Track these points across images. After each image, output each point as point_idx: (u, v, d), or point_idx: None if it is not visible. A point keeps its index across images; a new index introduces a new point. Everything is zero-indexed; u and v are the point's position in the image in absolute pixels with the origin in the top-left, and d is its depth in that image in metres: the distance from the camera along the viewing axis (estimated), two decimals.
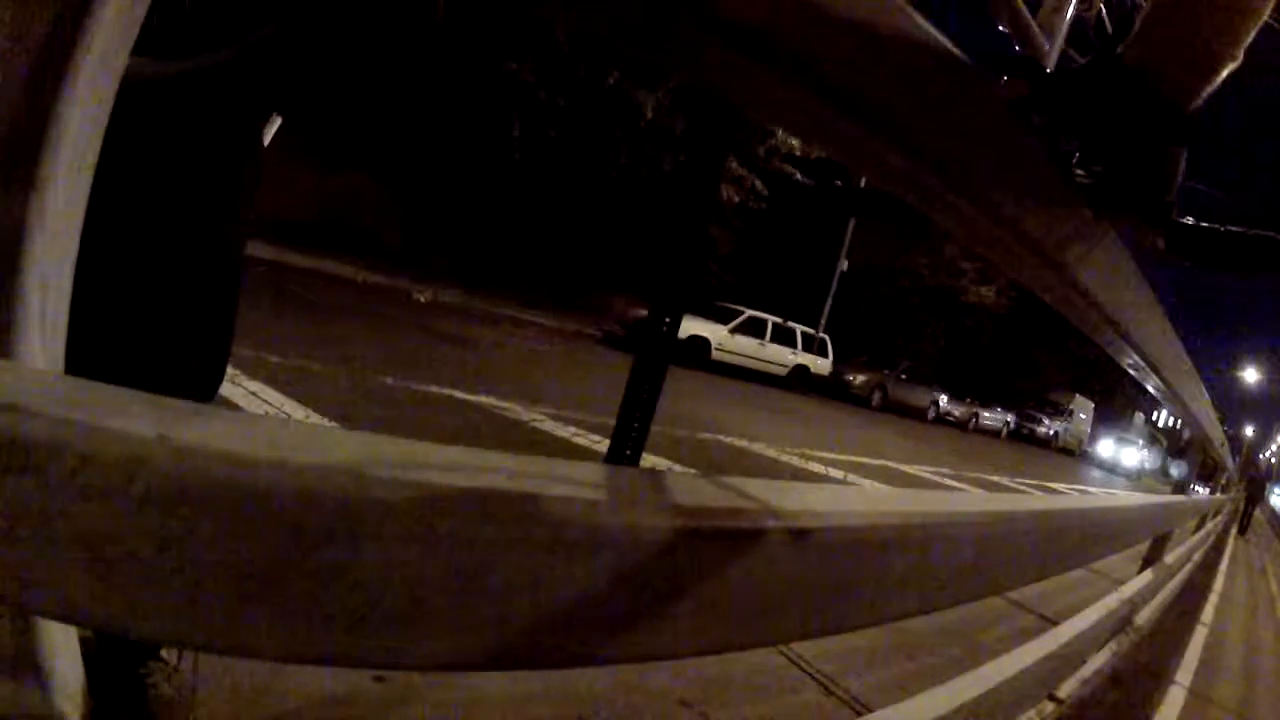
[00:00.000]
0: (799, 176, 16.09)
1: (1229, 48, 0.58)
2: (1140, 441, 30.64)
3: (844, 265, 18.17)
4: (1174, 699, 2.85)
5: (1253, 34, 0.57)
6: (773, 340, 14.26)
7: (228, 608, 0.35)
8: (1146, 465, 30.91)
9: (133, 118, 0.62)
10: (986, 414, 22.61)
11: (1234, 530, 11.91)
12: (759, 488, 0.62)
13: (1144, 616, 3.43)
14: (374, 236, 13.27)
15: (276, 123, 0.96)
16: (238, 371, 3.70)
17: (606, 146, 14.76)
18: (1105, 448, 28.89)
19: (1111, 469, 26.49)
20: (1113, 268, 0.86)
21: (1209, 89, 0.61)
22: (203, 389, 0.96)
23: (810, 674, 1.99)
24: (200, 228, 0.88)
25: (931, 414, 19.18)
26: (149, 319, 0.85)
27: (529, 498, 0.43)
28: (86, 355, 0.61)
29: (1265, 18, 0.56)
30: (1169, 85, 0.60)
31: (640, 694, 1.65)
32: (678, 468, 4.30)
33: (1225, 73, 0.60)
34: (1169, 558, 3.88)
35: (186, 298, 0.89)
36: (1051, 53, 1.52)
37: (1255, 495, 15.97)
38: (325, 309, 7.46)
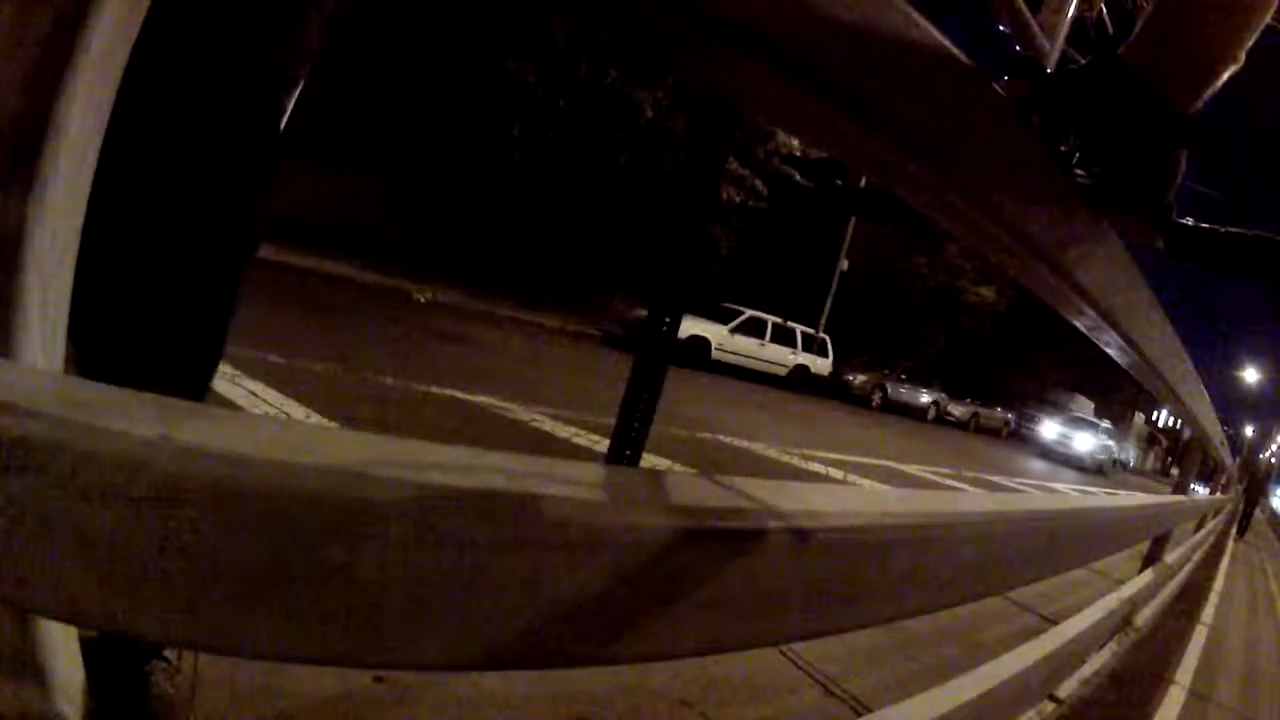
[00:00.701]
0: (799, 177, 16.07)
1: (1231, 50, 0.58)
2: (1104, 424, 22.78)
3: (844, 265, 18.19)
4: (1174, 699, 2.85)
5: (1255, 36, 0.57)
6: (773, 340, 14.27)
7: (228, 608, 0.35)
8: (1116, 455, 22.85)
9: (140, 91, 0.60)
10: (986, 414, 22.62)
11: (1233, 532, 11.51)
12: (759, 488, 0.62)
13: (1144, 616, 3.43)
14: (374, 236, 13.27)
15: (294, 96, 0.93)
16: (238, 371, 3.70)
17: (606, 146, 14.76)
18: (1050, 430, 20.59)
19: (1064, 460, 19.11)
20: (1113, 268, 0.86)
21: (1210, 91, 0.61)
22: (192, 386, 0.93)
23: (810, 674, 1.99)
24: (207, 211, 0.85)
25: (931, 414, 19.21)
26: (133, 307, 0.83)
27: (529, 498, 0.43)
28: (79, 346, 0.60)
29: (1268, 20, 0.56)
30: (1170, 87, 0.60)
31: (640, 694, 1.65)
32: (678, 468, 4.30)
33: (1227, 75, 0.60)
34: (1169, 557, 3.89)
35: (181, 288, 0.86)
36: (1052, 53, 1.53)
37: (1255, 495, 15.17)
38: (325, 309, 7.47)
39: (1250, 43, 0.58)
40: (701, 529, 0.52)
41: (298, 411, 3.35)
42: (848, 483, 5.72)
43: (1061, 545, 1.43)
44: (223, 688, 1.22)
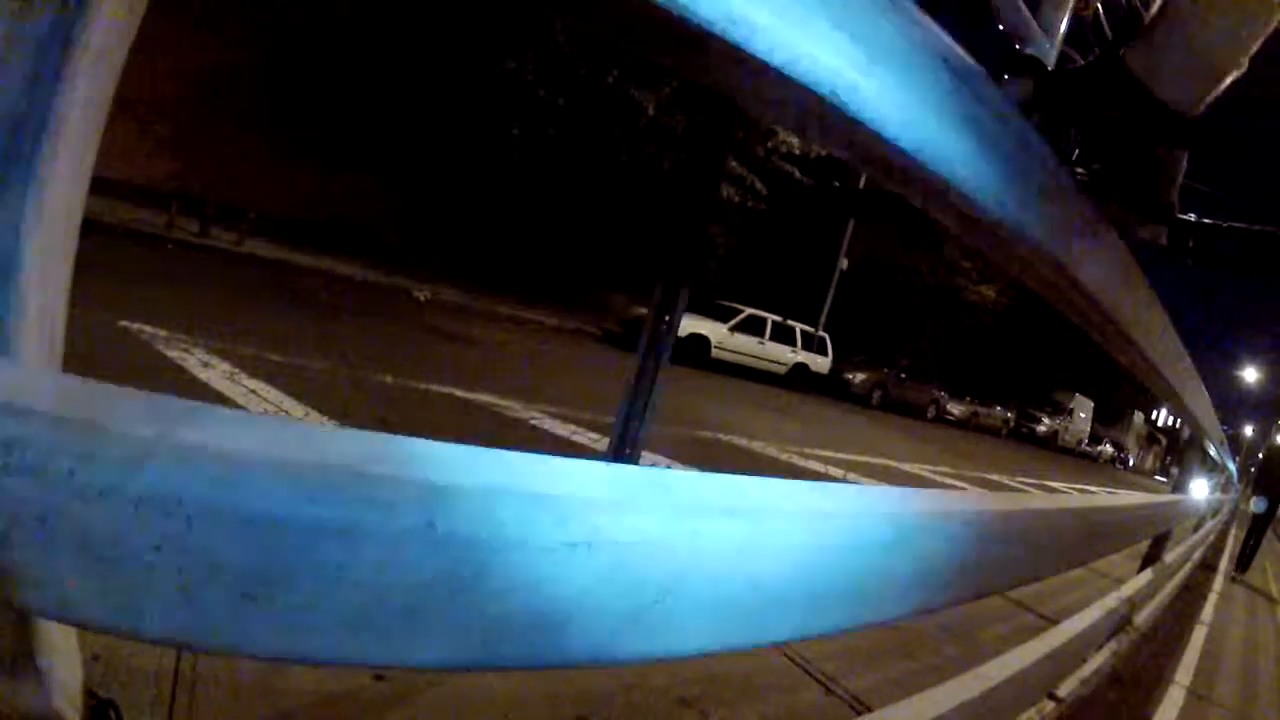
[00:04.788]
0: (798, 175, 16.08)
1: (1234, 56, 0.58)
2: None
3: (844, 264, 18.18)
4: (1173, 698, 2.85)
5: (1258, 44, 0.57)
6: (772, 338, 14.26)
7: (228, 608, 0.35)
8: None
9: None
10: (986, 412, 22.62)
11: (1224, 566, 7.01)
12: (758, 486, 0.62)
13: (1143, 616, 3.43)
14: (374, 236, 13.27)
15: None
16: (237, 369, 3.70)
17: (606, 145, 14.75)
18: None
19: None
20: (1113, 267, 0.86)
21: (1213, 94, 0.61)
22: None
23: (810, 674, 1.99)
24: None
25: (931, 413, 19.21)
26: None
27: (528, 496, 0.43)
28: None
29: (1271, 29, 0.56)
30: (1172, 90, 0.60)
31: (640, 694, 1.65)
32: (677, 466, 4.30)
33: (1229, 80, 0.60)
34: (1169, 557, 3.89)
35: None
36: (1052, 53, 1.52)
37: (1274, 501, 7.63)
38: (325, 308, 7.46)
39: (1254, 49, 0.58)
40: (701, 528, 0.52)
41: (296, 410, 3.35)
42: (848, 481, 5.72)
43: (1061, 545, 1.43)
44: (223, 688, 1.22)
